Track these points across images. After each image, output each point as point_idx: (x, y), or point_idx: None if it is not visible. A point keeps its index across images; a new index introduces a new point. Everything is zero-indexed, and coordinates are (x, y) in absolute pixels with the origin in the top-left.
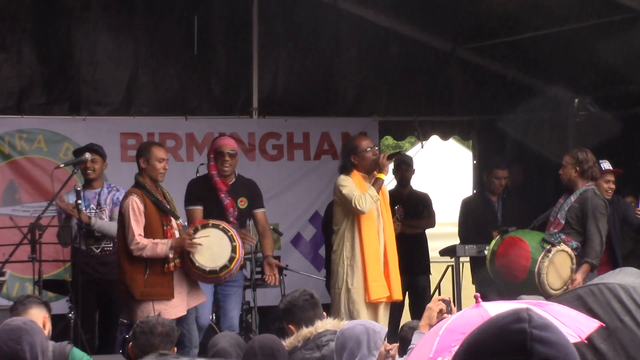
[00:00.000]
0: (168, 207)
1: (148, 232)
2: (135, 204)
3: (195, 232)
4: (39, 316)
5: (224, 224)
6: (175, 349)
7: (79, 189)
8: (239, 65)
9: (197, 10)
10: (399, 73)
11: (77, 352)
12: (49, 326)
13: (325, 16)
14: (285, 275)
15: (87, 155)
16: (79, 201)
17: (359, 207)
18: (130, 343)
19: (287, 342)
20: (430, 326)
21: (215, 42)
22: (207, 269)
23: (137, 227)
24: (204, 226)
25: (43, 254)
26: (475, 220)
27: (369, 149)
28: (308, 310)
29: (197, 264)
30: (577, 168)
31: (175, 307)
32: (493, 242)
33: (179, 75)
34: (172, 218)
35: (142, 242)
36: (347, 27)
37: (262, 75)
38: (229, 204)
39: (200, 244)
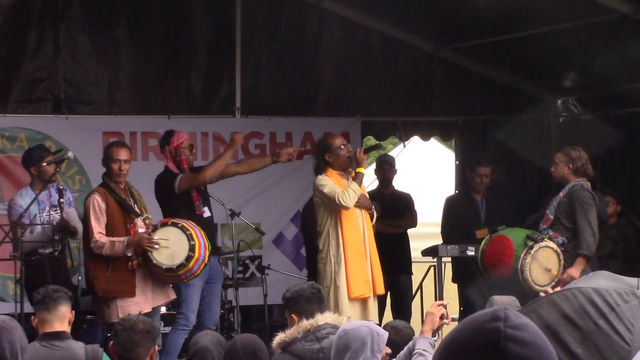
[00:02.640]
0: (133, 205)
1: (110, 230)
2: (97, 202)
3: (154, 230)
4: (66, 312)
5: (183, 223)
6: (157, 347)
7: (61, 187)
8: (221, 64)
9: (180, 9)
10: (381, 73)
11: (106, 356)
12: (71, 322)
13: (308, 16)
14: (267, 274)
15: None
16: (62, 199)
17: (343, 203)
18: (112, 341)
19: (287, 333)
20: (434, 331)
21: (198, 41)
22: (164, 267)
23: (97, 225)
24: (164, 225)
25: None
26: (459, 219)
27: (342, 146)
28: (314, 303)
29: (154, 262)
30: (570, 165)
31: (138, 304)
32: (483, 241)
33: (160, 75)
34: (135, 217)
35: (100, 240)
36: (329, 26)
37: (245, 74)
38: (196, 197)
39: (158, 243)
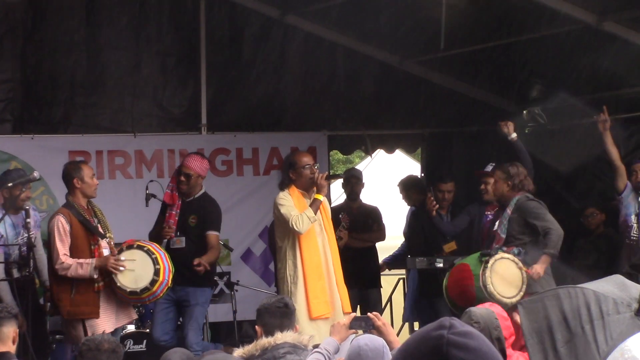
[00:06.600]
0: (97, 226)
1: (74, 252)
2: (61, 224)
3: (120, 252)
4: (9, 333)
5: (150, 246)
6: None
7: (27, 207)
8: (186, 81)
9: (145, 25)
10: (346, 87)
11: None
12: (16, 340)
13: (272, 31)
14: (237, 290)
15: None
16: (28, 220)
17: (295, 228)
18: None
19: (245, 350)
20: (341, 339)
21: (163, 57)
22: (128, 290)
23: (62, 247)
24: (129, 247)
25: None
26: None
27: (307, 166)
28: (277, 317)
29: (118, 284)
30: (509, 182)
31: (101, 326)
32: (445, 278)
33: (127, 92)
34: (100, 238)
35: (66, 262)
36: (294, 41)
37: (210, 90)
38: (170, 217)
39: (123, 265)
